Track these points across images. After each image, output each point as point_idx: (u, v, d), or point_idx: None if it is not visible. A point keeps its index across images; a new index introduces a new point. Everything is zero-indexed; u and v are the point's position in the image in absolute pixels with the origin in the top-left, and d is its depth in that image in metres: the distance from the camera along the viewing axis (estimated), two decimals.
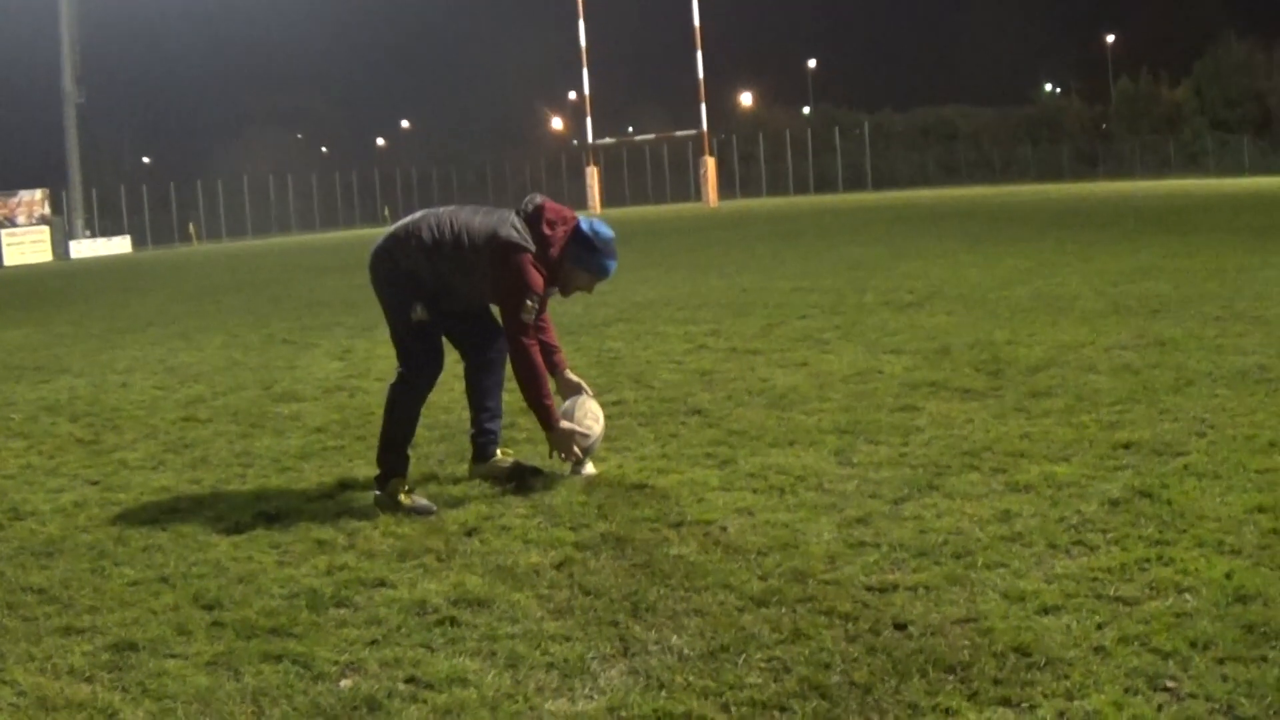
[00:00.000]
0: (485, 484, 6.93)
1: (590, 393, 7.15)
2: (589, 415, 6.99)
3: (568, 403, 6.97)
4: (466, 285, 6.74)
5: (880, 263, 20.91)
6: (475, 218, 6.75)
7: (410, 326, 6.74)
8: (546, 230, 6.71)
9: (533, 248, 6.64)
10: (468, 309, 6.99)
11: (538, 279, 6.64)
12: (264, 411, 9.87)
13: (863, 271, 19.31)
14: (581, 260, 6.79)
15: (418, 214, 6.91)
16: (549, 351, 6.93)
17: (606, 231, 6.84)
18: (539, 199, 6.86)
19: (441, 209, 6.92)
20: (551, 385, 6.89)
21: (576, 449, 6.82)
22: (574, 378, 7.13)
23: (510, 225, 6.68)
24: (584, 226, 6.80)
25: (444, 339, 6.91)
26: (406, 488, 6.58)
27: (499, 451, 7.17)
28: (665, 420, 8.41)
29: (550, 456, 6.97)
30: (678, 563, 5.37)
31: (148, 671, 4.55)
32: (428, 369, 6.83)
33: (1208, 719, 3.72)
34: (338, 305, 19.80)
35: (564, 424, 6.80)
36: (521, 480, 6.87)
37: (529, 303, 6.60)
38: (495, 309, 7.00)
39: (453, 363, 7.19)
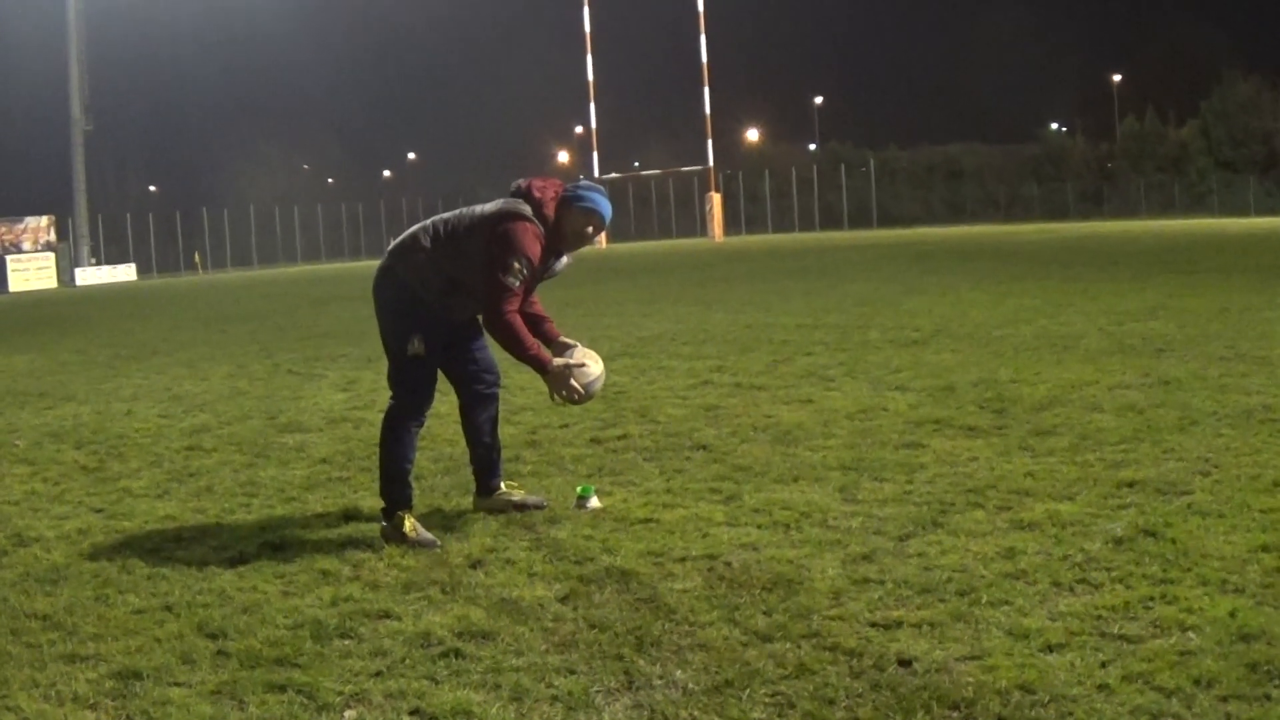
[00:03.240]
0: (489, 517, 6.94)
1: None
2: (586, 356, 6.87)
3: (565, 353, 6.88)
4: (473, 277, 6.67)
5: (885, 300, 20.93)
6: (468, 211, 6.83)
7: (406, 358, 6.75)
8: (537, 194, 6.72)
9: (529, 213, 6.66)
10: (477, 312, 6.94)
11: (533, 245, 6.60)
12: (269, 441, 9.88)
13: (868, 309, 19.33)
14: (576, 204, 6.77)
15: (412, 228, 6.94)
16: (538, 321, 6.88)
17: (594, 184, 6.94)
18: (524, 180, 6.88)
19: (432, 217, 6.95)
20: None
21: (575, 384, 6.69)
22: (567, 340, 6.99)
23: (503, 202, 6.74)
24: (570, 186, 6.88)
25: (439, 373, 6.92)
26: (412, 520, 6.58)
27: (503, 485, 7.18)
28: (670, 455, 8.41)
29: (552, 400, 6.88)
30: (682, 597, 5.37)
31: (152, 700, 4.55)
32: (419, 398, 6.83)
33: None
34: (342, 336, 19.83)
35: (558, 361, 6.71)
36: (523, 510, 6.90)
37: (517, 265, 6.53)
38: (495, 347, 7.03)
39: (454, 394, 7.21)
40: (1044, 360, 12.05)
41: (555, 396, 6.79)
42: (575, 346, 6.91)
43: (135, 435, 10.59)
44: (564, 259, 6.95)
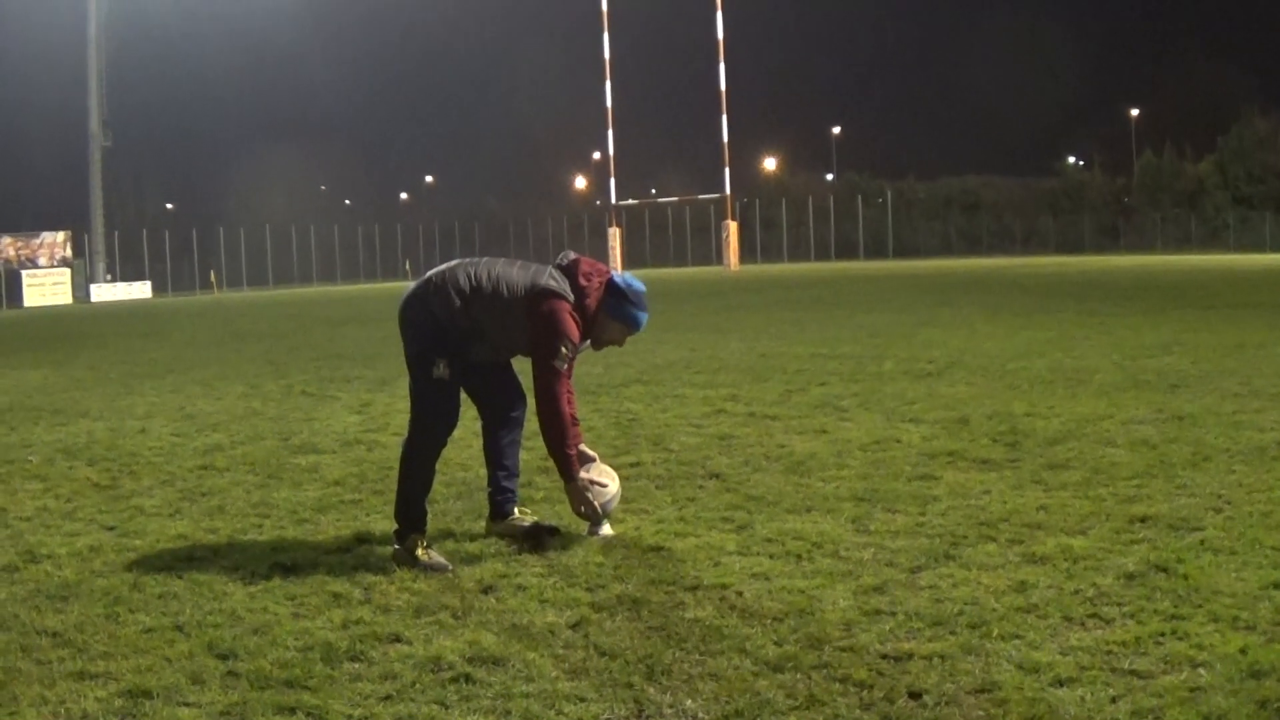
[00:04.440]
0: (502, 542, 6.93)
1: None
2: (604, 474, 7.03)
3: (583, 467, 6.98)
4: (501, 334, 6.78)
5: (900, 331, 20.93)
6: (512, 269, 6.84)
7: (430, 381, 6.77)
8: (583, 281, 6.80)
9: (571, 297, 6.73)
10: (495, 360, 7.03)
11: (574, 328, 6.72)
12: (282, 462, 9.89)
13: (882, 339, 19.33)
14: (616, 311, 6.88)
15: (452, 262, 6.98)
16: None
17: (639, 285, 6.98)
18: (573, 254, 6.97)
19: (477, 259, 6.99)
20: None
21: (595, 501, 6.83)
22: (588, 450, 7.15)
23: (549, 276, 6.80)
24: (618, 279, 6.92)
25: (463, 395, 6.94)
26: (424, 544, 6.58)
27: (516, 510, 7.18)
28: (683, 483, 8.41)
29: (573, 511, 6.98)
30: (693, 626, 5.37)
31: (161, 719, 4.56)
32: (442, 424, 6.84)
33: None
34: (357, 358, 19.85)
35: (583, 475, 6.83)
36: (538, 539, 6.87)
37: (564, 349, 6.67)
38: (517, 366, 7.06)
39: (471, 419, 7.22)
40: (1058, 394, 12.04)
41: (575, 511, 6.94)
42: (595, 461, 7.09)
43: (148, 453, 10.61)
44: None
